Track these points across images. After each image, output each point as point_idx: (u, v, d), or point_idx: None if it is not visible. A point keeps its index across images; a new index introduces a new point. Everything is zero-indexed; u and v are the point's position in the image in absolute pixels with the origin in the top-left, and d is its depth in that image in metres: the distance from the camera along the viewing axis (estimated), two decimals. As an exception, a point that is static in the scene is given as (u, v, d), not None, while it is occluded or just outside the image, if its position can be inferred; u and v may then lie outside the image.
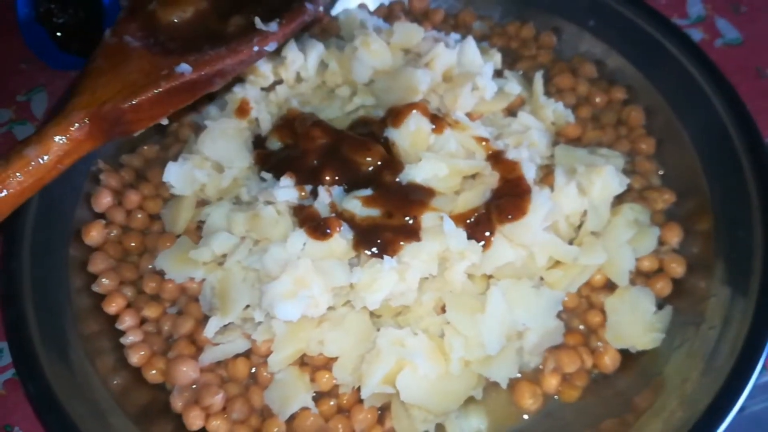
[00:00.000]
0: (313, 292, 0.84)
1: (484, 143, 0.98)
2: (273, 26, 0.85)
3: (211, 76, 0.82)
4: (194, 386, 0.89)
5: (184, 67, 0.80)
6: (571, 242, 0.94)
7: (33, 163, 0.73)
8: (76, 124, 0.76)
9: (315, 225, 0.88)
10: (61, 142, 0.75)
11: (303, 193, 0.94)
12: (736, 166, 0.95)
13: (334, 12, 1.26)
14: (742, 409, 0.77)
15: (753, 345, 0.80)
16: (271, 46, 0.86)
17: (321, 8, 0.92)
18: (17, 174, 0.73)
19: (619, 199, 0.97)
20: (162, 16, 0.86)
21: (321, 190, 0.93)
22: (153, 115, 0.83)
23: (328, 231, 0.87)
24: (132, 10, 0.87)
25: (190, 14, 0.86)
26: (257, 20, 0.85)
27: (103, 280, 0.97)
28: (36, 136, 0.75)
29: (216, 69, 0.82)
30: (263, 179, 0.99)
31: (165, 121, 0.86)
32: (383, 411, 0.88)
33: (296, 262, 0.85)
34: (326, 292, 0.86)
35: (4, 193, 0.72)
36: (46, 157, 0.74)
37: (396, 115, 0.98)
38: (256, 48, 0.85)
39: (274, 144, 1.05)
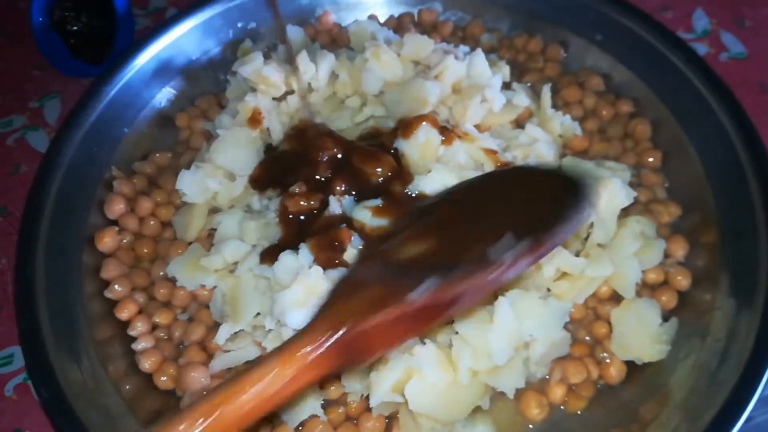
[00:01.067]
0: (323, 301, 0.85)
1: (492, 155, 0.99)
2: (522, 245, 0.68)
3: (447, 303, 0.70)
4: (204, 392, 0.90)
5: (417, 294, 0.68)
6: (577, 254, 0.95)
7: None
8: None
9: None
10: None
11: (314, 203, 0.95)
12: (741, 179, 0.95)
13: (344, 23, 1.28)
14: (747, 419, 0.78)
15: (758, 358, 0.81)
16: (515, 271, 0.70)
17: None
18: None
19: (625, 212, 0.98)
20: (397, 253, 0.76)
21: (332, 199, 0.94)
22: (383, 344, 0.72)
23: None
24: (367, 251, 0.85)
25: (424, 249, 0.74)
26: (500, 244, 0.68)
27: (116, 286, 0.98)
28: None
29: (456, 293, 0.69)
30: (275, 188, 1.00)
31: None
32: (391, 419, 0.89)
33: (307, 271, 0.86)
34: (337, 301, 0.87)
35: None
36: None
37: (406, 126, 0.99)
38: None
39: (286, 153, 1.06)
